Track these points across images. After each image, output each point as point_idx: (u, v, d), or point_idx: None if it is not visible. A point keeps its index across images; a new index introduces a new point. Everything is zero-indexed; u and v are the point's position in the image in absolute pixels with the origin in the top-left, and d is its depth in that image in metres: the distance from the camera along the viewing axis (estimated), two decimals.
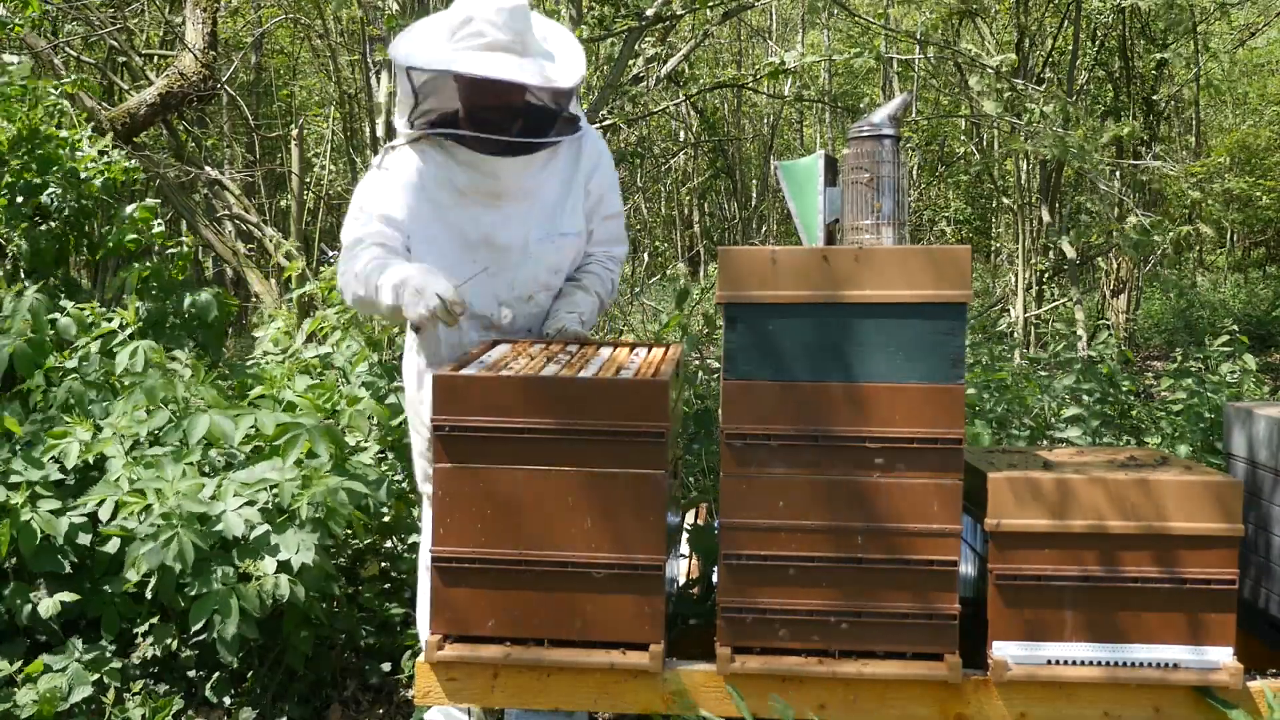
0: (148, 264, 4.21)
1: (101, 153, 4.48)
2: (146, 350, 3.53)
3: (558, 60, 2.60)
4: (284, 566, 2.95)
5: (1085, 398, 4.52)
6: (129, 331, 3.69)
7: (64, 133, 4.49)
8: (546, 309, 2.75)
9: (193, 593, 2.88)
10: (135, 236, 4.28)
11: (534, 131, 2.61)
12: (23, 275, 4.16)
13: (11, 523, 2.98)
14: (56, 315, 3.74)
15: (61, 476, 3.22)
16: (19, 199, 4.18)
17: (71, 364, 3.64)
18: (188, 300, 4.09)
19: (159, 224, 4.41)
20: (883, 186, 2.44)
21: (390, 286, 2.49)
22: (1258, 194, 12.54)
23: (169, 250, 4.47)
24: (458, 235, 2.65)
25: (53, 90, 4.67)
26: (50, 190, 4.23)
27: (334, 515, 3.01)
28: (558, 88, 2.56)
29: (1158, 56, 10.43)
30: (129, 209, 4.39)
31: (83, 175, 4.32)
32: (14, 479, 3.09)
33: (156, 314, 4.06)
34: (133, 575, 2.96)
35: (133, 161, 4.62)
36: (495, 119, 2.58)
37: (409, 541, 3.68)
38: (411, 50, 2.57)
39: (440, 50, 2.54)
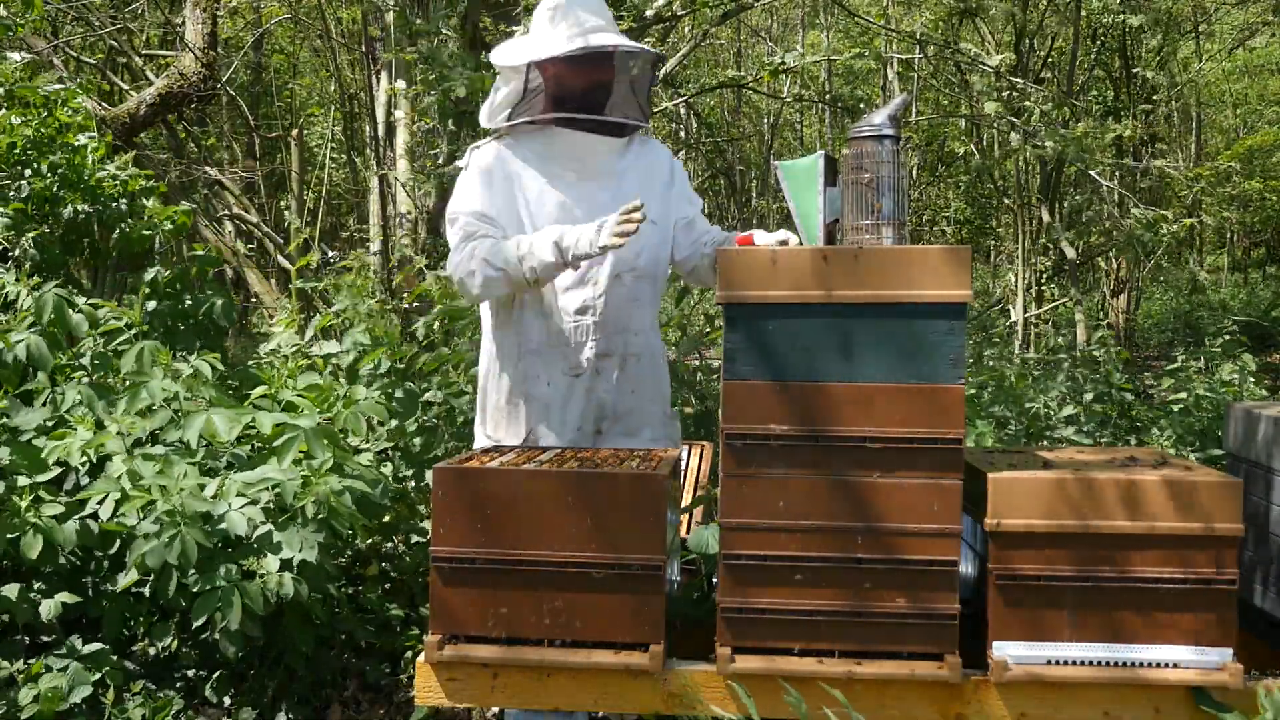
0: (171, 266, 4.20)
1: (119, 168, 4.48)
2: (150, 350, 3.53)
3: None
4: (286, 565, 2.95)
5: (1085, 397, 4.52)
6: (134, 331, 3.69)
7: (82, 139, 4.49)
8: (635, 294, 2.82)
9: (196, 589, 2.87)
10: (149, 234, 4.28)
11: (623, 115, 2.83)
12: (29, 277, 4.17)
13: (15, 525, 2.97)
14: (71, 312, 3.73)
15: (60, 472, 3.21)
16: (31, 205, 4.19)
17: (78, 362, 3.62)
18: (204, 306, 4.08)
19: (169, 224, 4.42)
20: (883, 186, 2.43)
21: (551, 243, 2.57)
22: (1270, 196, 12.49)
23: (196, 253, 4.47)
24: (555, 217, 2.75)
25: (61, 91, 4.66)
26: (69, 204, 4.26)
27: (337, 515, 3.00)
28: (651, 52, 2.83)
29: (1151, 73, 10.43)
30: (149, 202, 4.39)
31: (105, 190, 4.32)
32: (20, 481, 3.08)
33: (165, 314, 4.05)
34: (133, 575, 2.95)
35: (141, 181, 4.61)
36: (595, 101, 2.77)
37: (412, 541, 3.68)
38: (525, 48, 2.74)
39: (551, 41, 2.70)
